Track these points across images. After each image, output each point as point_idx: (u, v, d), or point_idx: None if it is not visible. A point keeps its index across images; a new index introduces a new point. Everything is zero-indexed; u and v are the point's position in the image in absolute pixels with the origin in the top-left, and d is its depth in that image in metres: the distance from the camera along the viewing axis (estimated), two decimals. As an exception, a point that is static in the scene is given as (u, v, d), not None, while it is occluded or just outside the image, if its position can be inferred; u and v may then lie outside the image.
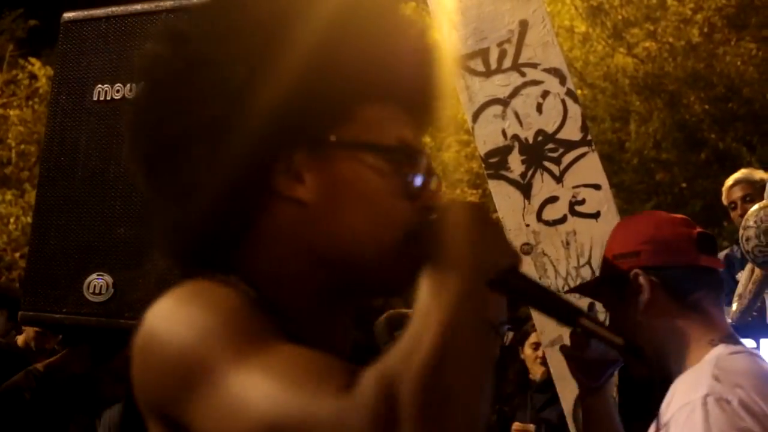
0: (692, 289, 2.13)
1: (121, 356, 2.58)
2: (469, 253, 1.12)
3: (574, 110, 4.41)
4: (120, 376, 2.74)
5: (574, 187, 4.33)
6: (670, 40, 12.56)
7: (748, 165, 6.25)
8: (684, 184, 12.45)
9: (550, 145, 4.30)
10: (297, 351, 1.09)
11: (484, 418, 1.05)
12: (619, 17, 12.51)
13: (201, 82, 1.26)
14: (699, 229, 2.22)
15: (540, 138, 4.22)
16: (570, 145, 4.36)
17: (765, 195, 4.58)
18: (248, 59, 1.25)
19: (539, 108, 4.11)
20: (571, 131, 4.34)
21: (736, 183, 5.28)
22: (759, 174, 5.21)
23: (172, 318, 1.15)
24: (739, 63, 12.35)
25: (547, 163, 4.28)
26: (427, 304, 1.07)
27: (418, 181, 1.28)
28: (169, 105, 1.28)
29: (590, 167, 4.39)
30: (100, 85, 2.49)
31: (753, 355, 2.07)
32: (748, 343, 3.68)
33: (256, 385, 1.06)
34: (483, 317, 1.10)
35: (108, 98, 2.47)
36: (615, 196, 4.56)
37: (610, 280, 2.20)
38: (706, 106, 12.48)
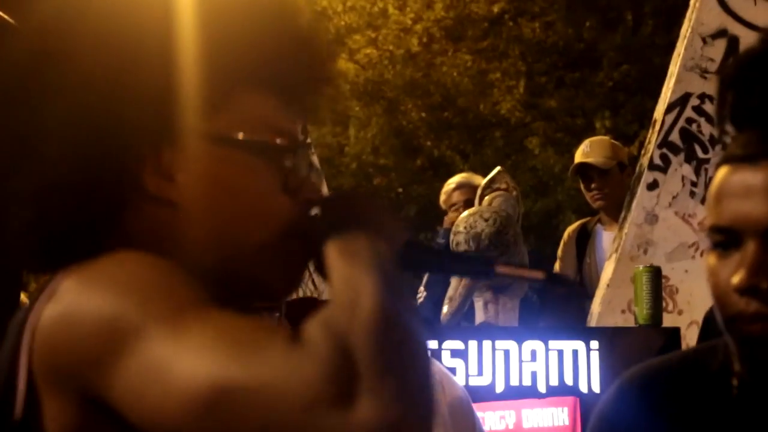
0: None
1: None
2: (366, 232, 1.09)
3: (295, 113, 4.42)
4: None
5: (292, 190, 4.33)
6: (391, 48, 12.85)
7: (460, 172, 6.46)
8: (400, 189, 12.76)
9: (270, 147, 4.29)
10: (230, 313, 1.01)
11: (429, 374, 0.99)
12: (342, 23, 12.68)
13: (55, 76, 1.16)
14: None
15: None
16: (290, 148, 4.37)
17: (475, 201, 4.74)
18: (108, 50, 1.16)
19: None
20: (291, 134, 4.35)
21: (459, 186, 5.43)
22: (478, 179, 5.38)
23: (90, 283, 1.05)
24: (455, 74, 12.78)
25: (266, 165, 4.27)
26: (348, 270, 1.02)
27: (297, 175, 1.23)
28: (20, 101, 1.18)
29: (309, 170, 4.41)
30: None
31: None
32: (457, 344, 3.77)
33: (193, 348, 0.96)
34: (399, 286, 1.04)
35: None
36: (333, 199, 4.58)
37: None
38: (423, 114, 12.85)
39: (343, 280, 1.01)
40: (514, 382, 3.65)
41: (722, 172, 1.42)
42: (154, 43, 1.17)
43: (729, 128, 1.43)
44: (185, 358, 0.96)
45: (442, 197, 5.56)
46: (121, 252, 1.11)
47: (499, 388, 3.66)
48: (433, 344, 3.68)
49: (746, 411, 1.47)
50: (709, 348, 1.59)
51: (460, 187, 5.43)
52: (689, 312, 4.51)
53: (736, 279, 1.37)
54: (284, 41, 1.23)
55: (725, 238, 1.41)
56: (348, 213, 1.16)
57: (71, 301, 1.06)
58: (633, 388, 1.62)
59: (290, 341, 0.94)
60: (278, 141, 1.22)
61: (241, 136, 1.20)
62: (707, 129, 4.70)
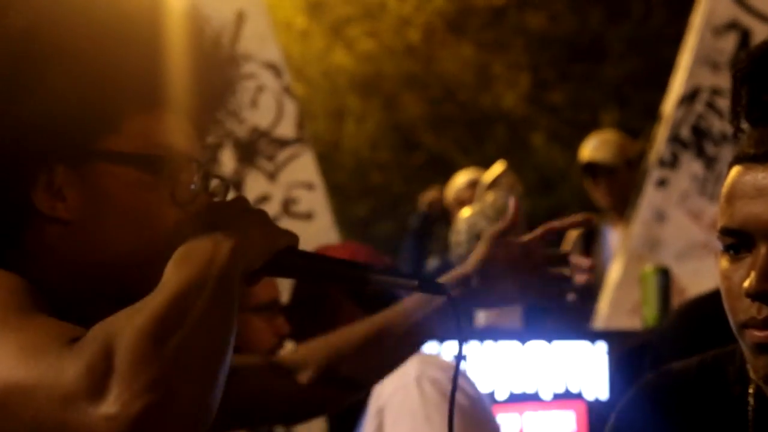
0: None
1: None
2: (216, 239, 1.17)
3: (290, 107, 4.33)
4: None
5: (287, 187, 4.26)
6: (389, 40, 12.78)
7: (461, 168, 6.42)
8: (399, 186, 12.69)
9: (264, 142, 4.24)
10: (41, 320, 1.12)
11: (214, 384, 1.09)
12: (340, 14, 12.61)
13: None
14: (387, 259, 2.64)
15: (254, 134, 4.17)
16: (285, 143, 4.30)
17: (475, 199, 4.69)
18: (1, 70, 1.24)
19: (254, 103, 4.08)
20: (287, 128, 4.29)
21: (472, 183, 5.47)
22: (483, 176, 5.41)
23: None
24: (456, 67, 12.71)
25: (260, 161, 4.21)
26: (169, 272, 1.13)
27: (188, 188, 1.31)
28: None
29: (305, 166, 4.34)
30: None
31: None
32: (454, 345, 3.76)
33: (1, 355, 1.08)
34: (227, 294, 1.14)
35: None
36: (330, 196, 4.52)
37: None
38: (423, 108, 12.78)
39: (159, 285, 1.11)
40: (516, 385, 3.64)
41: (734, 171, 1.40)
42: (48, 63, 1.23)
43: (744, 125, 1.41)
44: None
45: (452, 194, 5.52)
46: None
47: (502, 391, 3.64)
48: (434, 346, 3.64)
49: (762, 419, 1.45)
50: (727, 353, 1.56)
51: (473, 184, 5.40)
52: (699, 314, 4.42)
53: (747, 284, 1.36)
54: (181, 61, 1.30)
55: (737, 241, 1.40)
56: (216, 221, 1.22)
57: None
58: (649, 397, 1.60)
59: (69, 344, 1.06)
60: (167, 157, 1.29)
61: (129, 153, 1.27)
62: (718, 124, 4.62)
